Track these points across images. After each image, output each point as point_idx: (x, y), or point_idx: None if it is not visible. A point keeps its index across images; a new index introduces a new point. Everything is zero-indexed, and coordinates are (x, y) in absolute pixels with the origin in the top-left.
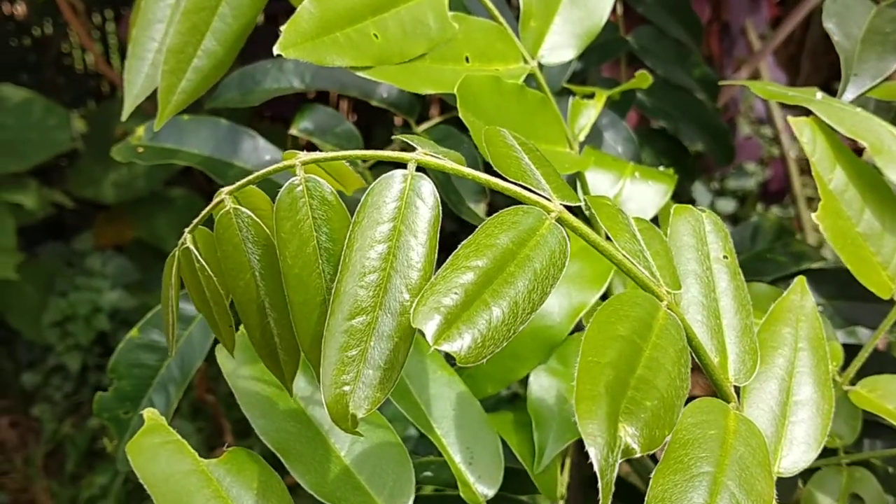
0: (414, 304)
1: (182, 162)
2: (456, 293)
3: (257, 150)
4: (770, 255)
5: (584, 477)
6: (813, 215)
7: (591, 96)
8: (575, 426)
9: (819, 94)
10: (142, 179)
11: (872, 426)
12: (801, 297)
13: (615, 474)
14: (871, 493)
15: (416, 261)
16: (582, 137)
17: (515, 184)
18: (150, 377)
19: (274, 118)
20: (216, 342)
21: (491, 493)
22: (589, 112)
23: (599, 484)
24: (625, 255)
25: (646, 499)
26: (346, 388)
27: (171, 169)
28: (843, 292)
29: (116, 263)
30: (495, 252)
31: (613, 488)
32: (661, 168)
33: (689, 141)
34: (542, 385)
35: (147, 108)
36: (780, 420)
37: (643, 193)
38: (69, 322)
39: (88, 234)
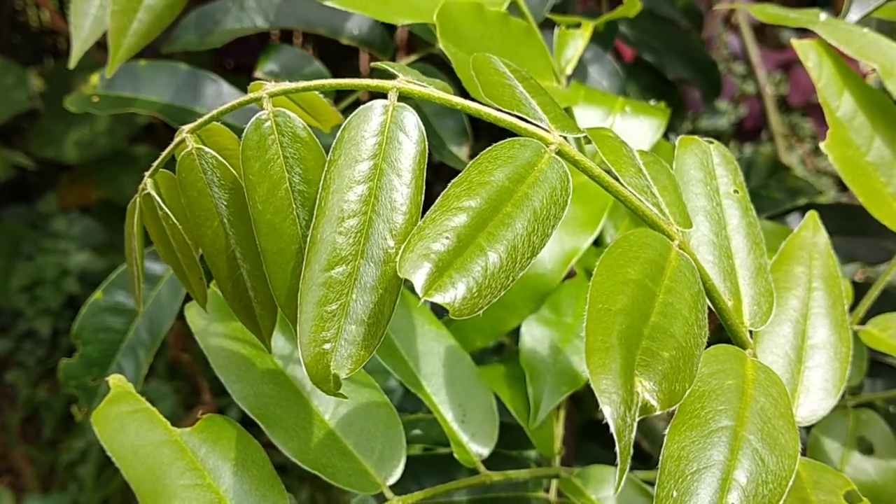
0: (400, 251)
1: (140, 110)
2: (447, 237)
3: (221, 96)
4: (765, 192)
5: (576, 427)
6: (821, 144)
7: (576, 26)
8: (571, 378)
9: (823, 16)
10: (104, 137)
11: (872, 365)
12: (813, 233)
13: (633, 435)
14: (879, 435)
15: (401, 203)
16: (569, 70)
17: (510, 114)
18: (117, 341)
19: (237, 68)
20: (186, 302)
21: (486, 451)
22: (576, 43)
23: (617, 447)
24: (631, 192)
25: (660, 457)
26: (327, 346)
27: (134, 125)
28: (840, 227)
29: (83, 225)
30: (490, 190)
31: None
32: (652, 102)
33: (674, 74)
34: (534, 336)
35: (103, 60)
36: (796, 366)
37: (635, 129)
38: (37, 286)
39: (52, 196)
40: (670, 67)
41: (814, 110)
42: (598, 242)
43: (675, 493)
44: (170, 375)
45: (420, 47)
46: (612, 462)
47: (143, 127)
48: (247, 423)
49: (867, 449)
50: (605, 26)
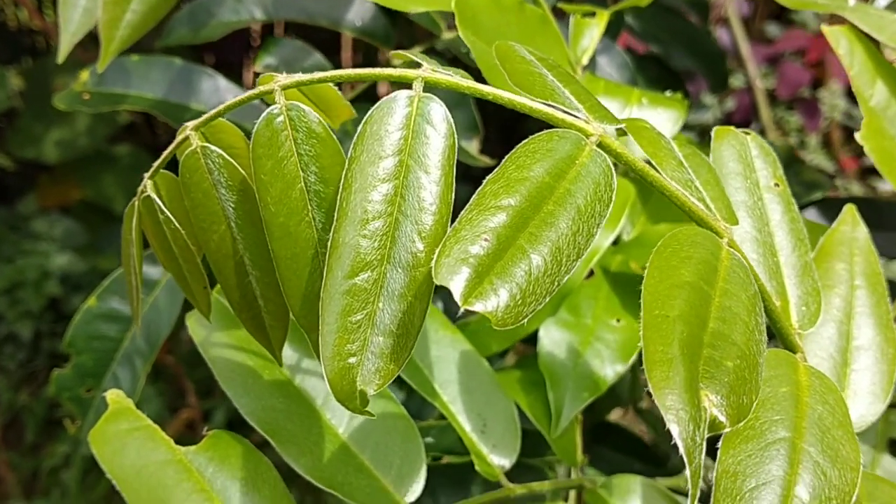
0: (436, 256)
1: (132, 107)
2: (486, 239)
3: (218, 91)
4: None
5: (586, 431)
6: (857, 135)
7: (591, 15)
8: (592, 383)
9: (852, 1)
10: (84, 137)
11: None
12: (852, 228)
13: (703, 456)
14: None
15: (430, 202)
16: (585, 61)
17: (545, 104)
18: (112, 350)
19: (218, 64)
20: (185, 308)
21: (508, 463)
22: (591, 32)
23: (687, 470)
24: (676, 187)
25: (715, 472)
26: (352, 359)
27: (115, 125)
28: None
29: (63, 226)
30: (529, 187)
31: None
32: (668, 93)
33: (680, 65)
34: (553, 339)
35: (85, 58)
36: (842, 369)
37: (653, 121)
38: (18, 289)
39: (32, 197)
40: (677, 58)
41: (800, 104)
42: (616, 242)
43: None
44: (154, 378)
45: (421, 40)
46: (625, 466)
47: (124, 126)
48: (233, 427)
49: None
50: (612, 16)
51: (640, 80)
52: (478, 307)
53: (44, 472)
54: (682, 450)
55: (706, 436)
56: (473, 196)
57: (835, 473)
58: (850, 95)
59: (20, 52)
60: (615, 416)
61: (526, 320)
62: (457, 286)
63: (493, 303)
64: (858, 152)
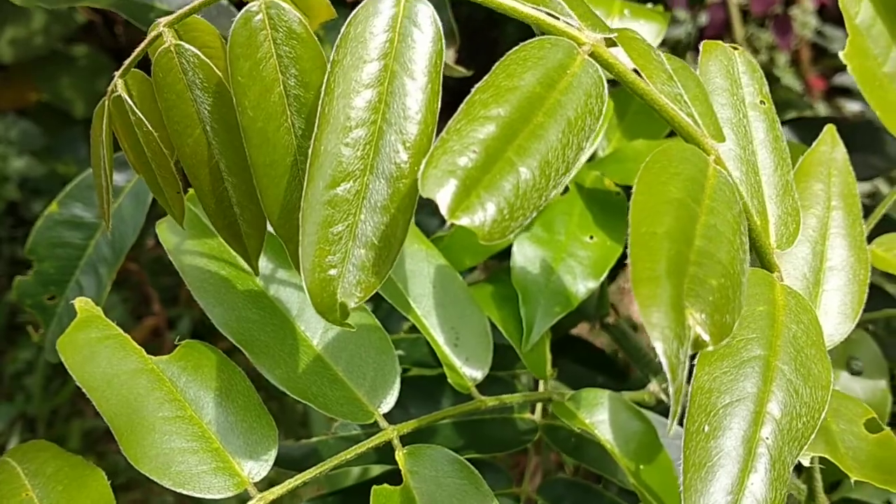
0: (423, 167)
1: (93, 3)
2: (474, 151)
3: None
4: None
5: (551, 344)
6: (840, 54)
7: None
8: (564, 298)
9: None
10: (40, 36)
11: None
12: (831, 148)
13: (686, 373)
14: (869, 356)
15: (415, 110)
16: None
17: (536, 9)
18: (76, 258)
19: None
20: (152, 214)
21: (480, 375)
22: None
23: (671, 387)
24: (666, 101)
25: (690, 389)
26: (333, 271)
27: (72, 25)
28: None
29: (20, 128)
30: (520, 97)
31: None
32: (650, 6)
33: None
34: (526, 255)
35: None
36: (814, 288)
37: None
38: None
39: None
40: None
41: (773, 21)
42: (592, 158)
43: (706, 428)
44: (117, 286)
45: None
46: (587, 379)
47: (82, 26)
48: (199, 336)
49: (857, 369)
50: None
51: None
52: (464, 221)
53: (7, 377)
54: (665, 367)
55: (689, 353)
56: (462, 105)
57: (806, 391)
58: (822, 14)
59: None
60: (580, 331)
61: (512, 235)
62: (443, 199)
63: (480, 217)
64: (826, 72)
